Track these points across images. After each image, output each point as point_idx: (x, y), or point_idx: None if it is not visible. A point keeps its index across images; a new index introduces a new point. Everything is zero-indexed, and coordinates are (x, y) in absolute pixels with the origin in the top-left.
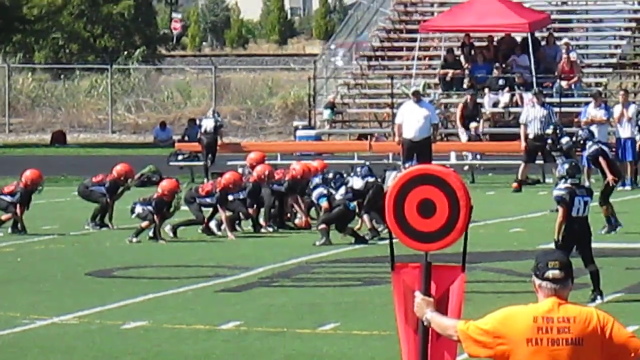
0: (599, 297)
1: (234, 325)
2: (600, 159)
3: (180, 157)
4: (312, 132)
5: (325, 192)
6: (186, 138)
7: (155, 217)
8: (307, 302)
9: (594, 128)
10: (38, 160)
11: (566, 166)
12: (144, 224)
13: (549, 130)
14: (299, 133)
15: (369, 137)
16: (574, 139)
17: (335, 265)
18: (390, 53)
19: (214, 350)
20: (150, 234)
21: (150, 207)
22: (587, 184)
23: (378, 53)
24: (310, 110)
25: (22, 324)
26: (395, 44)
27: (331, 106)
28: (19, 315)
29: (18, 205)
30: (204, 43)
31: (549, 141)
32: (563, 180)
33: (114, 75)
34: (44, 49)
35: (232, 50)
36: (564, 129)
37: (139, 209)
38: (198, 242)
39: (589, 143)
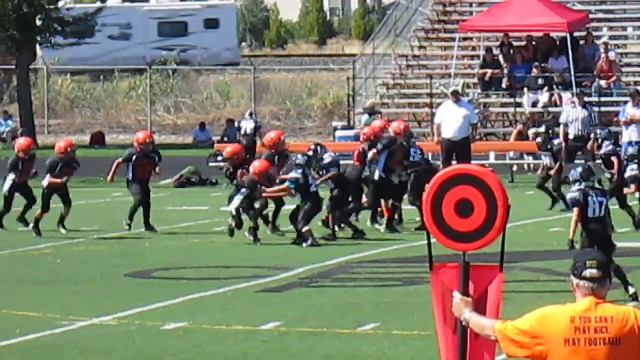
0: (630, 287)
1: (273, 325)
2: (613, 159)
3: (219, 158)
4: (351, 132)
5: (297, 176)
6: (225, 139)
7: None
8: (347, 302)
9: (633, 127)
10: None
11: (579, 169)
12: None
13: (542, 129)
14: (338, 133)
15: None
16: (593, 135)
17: (375, 265)
18: (429, 53)
19: (253, 351)
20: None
21: (243, 191)
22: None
23: (417, 53)
24: (349, 110)
25: (61, 325)
26: (434, 44)
27: (370, 111)
28: (58, 317)
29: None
30: (243, 44)
31: (539, 140)
32: (577, 183)
33: (153, 76)
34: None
35: (271, 51)
36: (605, 128)
37: (236, 200)
38: (238, 242)
39: (606, 142)
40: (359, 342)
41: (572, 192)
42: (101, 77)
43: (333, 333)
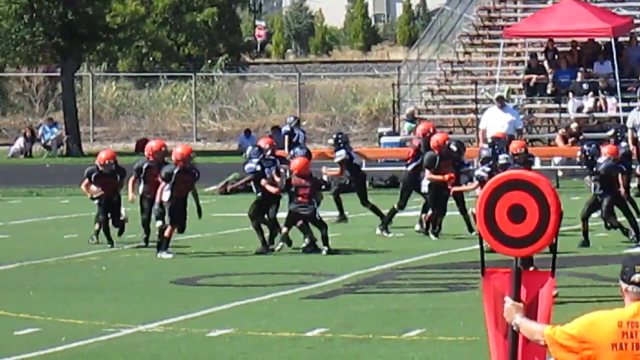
0: None
1: (319, 332)
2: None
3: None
4: (396, 139)
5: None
6: None
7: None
8: (392, 309)
9: None
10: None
11: (488, 149)
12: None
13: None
14: (384, 139)
15: None
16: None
17: (421, 271)
18: (473, 59)
19: (298, 358)
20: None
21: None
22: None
23: (461, 59)
24: (395, 116)
25: (107, 332)
26: (479, 50)
27: (411, 118)
28: (104, 324)
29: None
30: (288, 50)
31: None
32: (486, 162)
33: (198, 83)
34: (128, 57)
35: (316, 57)
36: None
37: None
38: (283, 249)
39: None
40: (404, 348)
41: (479, 171)
42: (146, 84)
43: (378, 339)
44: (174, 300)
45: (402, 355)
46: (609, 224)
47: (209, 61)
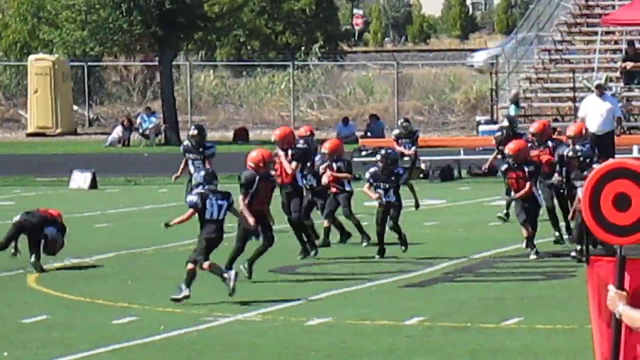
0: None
1: (417, 320)
2: None
3: (363, 153)
4: (494, 127)
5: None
6: (368, 134)
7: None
8: (491, 297)
9: None
10: (221, 157)
11: (202, 173)
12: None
13: (505, 123)
14: (482, 128)
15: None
16: None
17: (518, 259)
18: (571, 47)
19: (398, 346)
20: None
21: None
22: None
23: (559, 47)
24: (493, 105)
25: (205, 321)
26: (577, 38)
27: (516, 101)
28: (203, 313)
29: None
30: (386, 39)
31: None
32: (200, 186)
33: (294, 72)
34: (226, 46)
35: (414, 46)
36: None
37: None
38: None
39: None
40: (502, 336)
41: (191, 195)
42: (244, 73)
43: (477, 328)
44: (272, 289)
45: (500, 343)
46: None
47: (304, 49)
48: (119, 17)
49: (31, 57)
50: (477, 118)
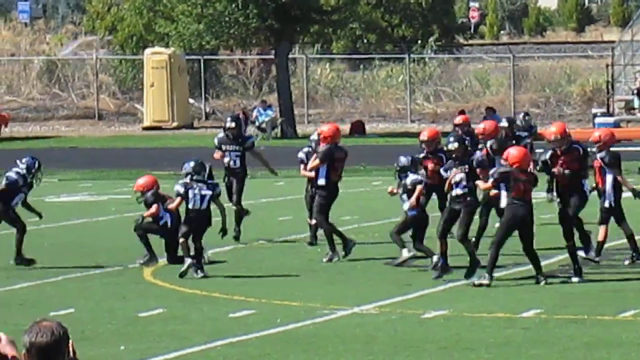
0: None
1: (534, 313)
2: None
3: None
4: (610, 119)
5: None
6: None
7: None
8: (608, 289)
9: None
10: None
11: (192, 164)
12: None
13: (505, 123)
14: (598, 120)
15: None
16: None
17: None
18: None
19: (514, 338)
20: None
21: None
22: None
23: None
24: (609, 97)
25: (322, 314)
26: None
27: (639, 93)
28: (319, 306)
29: None
30: (502, 31)
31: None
32: (187, 176)
33: (411, 65)
34: (342, 39)
35: (530, 39)
36: None
37: None
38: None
39: None
40: (619, 328)
41: (177, 185)
42: (360, 66)
43: (593, 320)
44: (388, 282)
45: (616, 335)
46: None
47: (419, 42)
48: (235, 10)
49: (147, 51)
50: (594, 110)
